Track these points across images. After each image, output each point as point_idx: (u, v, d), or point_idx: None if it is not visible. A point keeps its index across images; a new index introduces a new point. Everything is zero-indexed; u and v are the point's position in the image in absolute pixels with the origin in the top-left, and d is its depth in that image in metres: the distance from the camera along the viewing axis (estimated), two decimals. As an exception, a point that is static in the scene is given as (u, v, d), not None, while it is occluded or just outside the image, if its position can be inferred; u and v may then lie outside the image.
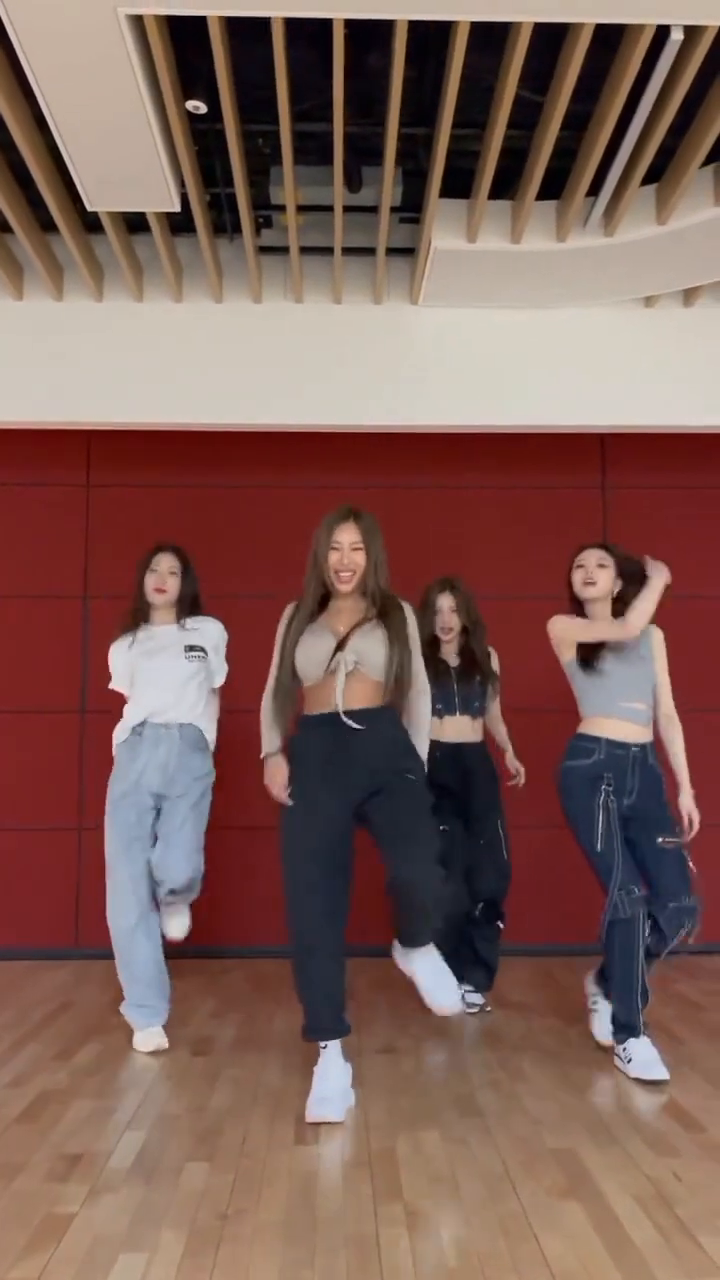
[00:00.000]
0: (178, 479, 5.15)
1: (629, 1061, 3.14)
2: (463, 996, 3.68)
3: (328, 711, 2.93)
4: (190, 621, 3.75)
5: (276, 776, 2.97)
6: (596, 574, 3.40)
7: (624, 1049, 3.18)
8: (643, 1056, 3.11)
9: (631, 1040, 3.16)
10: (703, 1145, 2.60)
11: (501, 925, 3.93)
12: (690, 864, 3.29)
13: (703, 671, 5.07)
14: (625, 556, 3.47)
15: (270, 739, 3.06)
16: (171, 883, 3.50)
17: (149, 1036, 3.47)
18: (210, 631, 3.76)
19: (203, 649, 3.72)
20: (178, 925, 3.68)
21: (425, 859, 2.80)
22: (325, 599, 3.05)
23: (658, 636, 3.48)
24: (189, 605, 3.77)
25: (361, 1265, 2.00)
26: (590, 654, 3.41)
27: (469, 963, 3.91)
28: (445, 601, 3.98)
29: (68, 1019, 3.81)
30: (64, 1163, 2.50)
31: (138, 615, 3.77)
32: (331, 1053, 2.91)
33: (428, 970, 2.91)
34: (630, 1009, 3.18)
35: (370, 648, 2.93)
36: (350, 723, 2.89)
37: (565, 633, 3.45)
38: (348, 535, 2.97)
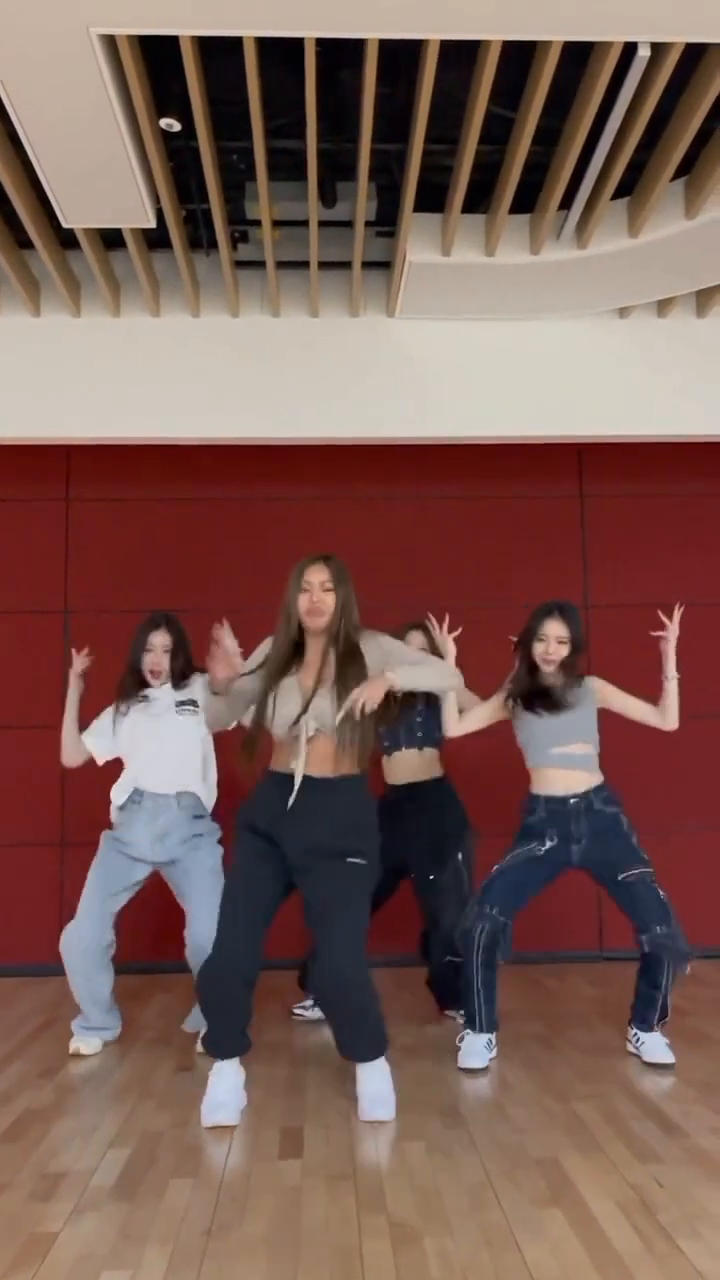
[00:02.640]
0: (158, 493, 5.16)
1: (461, 1041, 3.41)
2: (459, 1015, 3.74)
3: (285, 772, 2.95)
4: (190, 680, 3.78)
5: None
6: (557, 651, 3.48)
7: (471, 1039, 3.38)
8: (470, 1047, 3.36)
9: (469, 1033, 3.40)
10: (685, 1150, 2.62)
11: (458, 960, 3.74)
12: (662, 891, 3.35)
13: (683, 676, 5.10)
14: (578, 623, 3.55)
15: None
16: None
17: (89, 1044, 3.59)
18: (200, 685, 3.71)
19: (194, 701, 3.73)
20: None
21: (345, 951, 2.78)
22: (298, 646, 3.03)
23: (595, 684, 3.56)
24: (180, 675, 3.76)
25: (345, 1279, 2.00)
26: (530, 699, 3.49)
27: (449, 996, 3.87)
28: (415, 639, 3.89)
29: (51, 1036, 3.79)
30: (47, 1182, 2.49)
31: (133, 683, 3.78)
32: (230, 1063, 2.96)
33: (371, 1085, 2.90)
34: (467, 1010, 3.41)
35: (330, 710, 2.91)
36: (294, 795, 2.89)
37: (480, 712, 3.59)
38: (318, 576, 2.99)
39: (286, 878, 2.96)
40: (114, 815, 3.75)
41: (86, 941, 3.54)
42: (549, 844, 3.42)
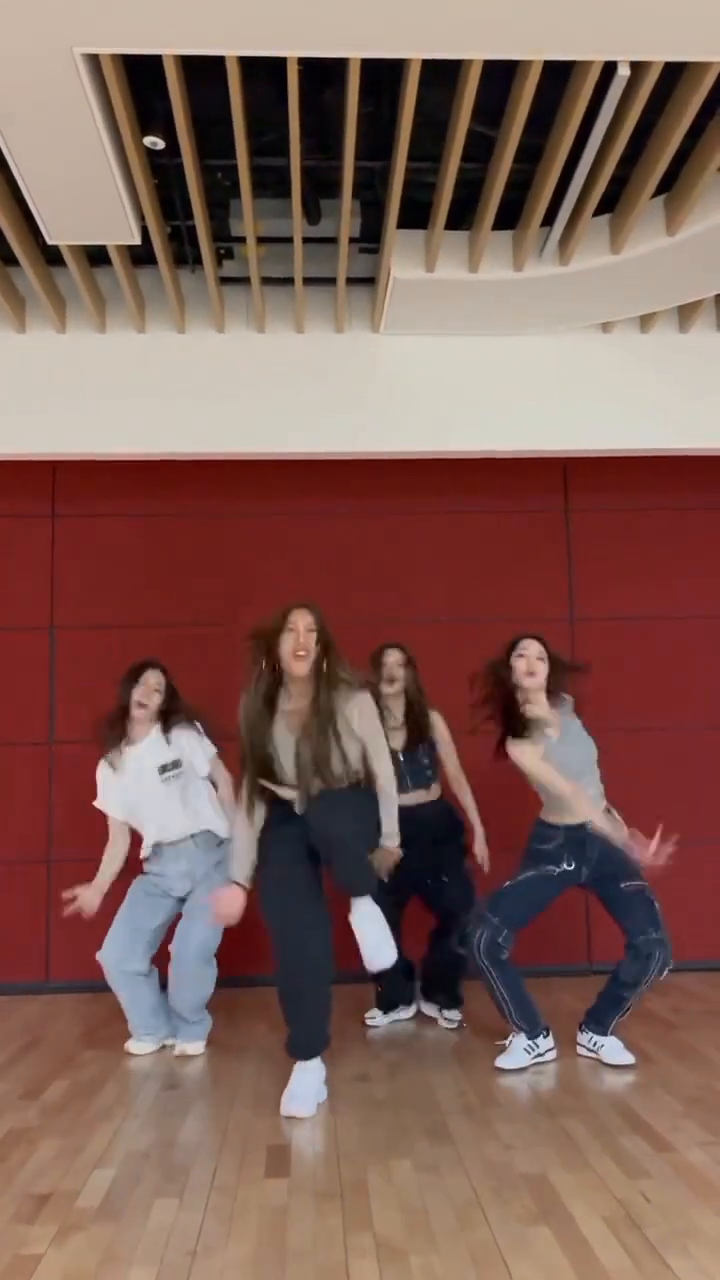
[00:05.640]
0: (143, 508, 5.16)
1: (509, 1041, 3.54)
2: (440, 1013, 3.97)
3: (287, 799, 3.18)
4: (171, 735, 3.86)
5: (232, 905, 3.15)
6: (538, 666, 3.55)
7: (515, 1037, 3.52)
8: (511, 1047, 3.49)
9: (512, 1036, 3.52)
10: (673, 1166, 2.61)
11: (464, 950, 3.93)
12: (657, 904, 3.47)
13: (664, 690, 5.12)
14: (555, 652, 3.64)
15: (241, 866, 3.20)
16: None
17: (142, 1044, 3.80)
18: (182, 741, 3.84)
19: (176, 762, 3.83)
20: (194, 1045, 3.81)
21: (345, 821, 3.07)
22: (275, 686, 3.17)
23: (575, 725, 3.60)
24: (164, 718, 3.86)
25: (331, 1299, 1.99)
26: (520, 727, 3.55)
27: (437, 986, 4.04)
28: (392, 656, 4.03)
29: (37, 1056, 3.76)
30: (31, 1203, 2.47)
31: (116, 730, 3.86)
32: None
33: (370, 926, 3.12)
34: (500, 1009, 3.52)
35: (323, 754, 3.10)
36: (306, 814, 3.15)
37: (532, 769, 3.53)
38: (303, 620, 3.14)
39: (315, 854, 3.16)
40: (144, 863, 3.93)
41: (113, 960, 3.75)
42: (565, 867, 3.52)
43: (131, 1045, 3.80)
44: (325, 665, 3.12)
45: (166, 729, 3.85)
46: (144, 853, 3.90)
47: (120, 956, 3.74)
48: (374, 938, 3.11)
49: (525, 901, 3.52)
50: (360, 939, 3.12)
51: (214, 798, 3.90)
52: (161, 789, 3.81)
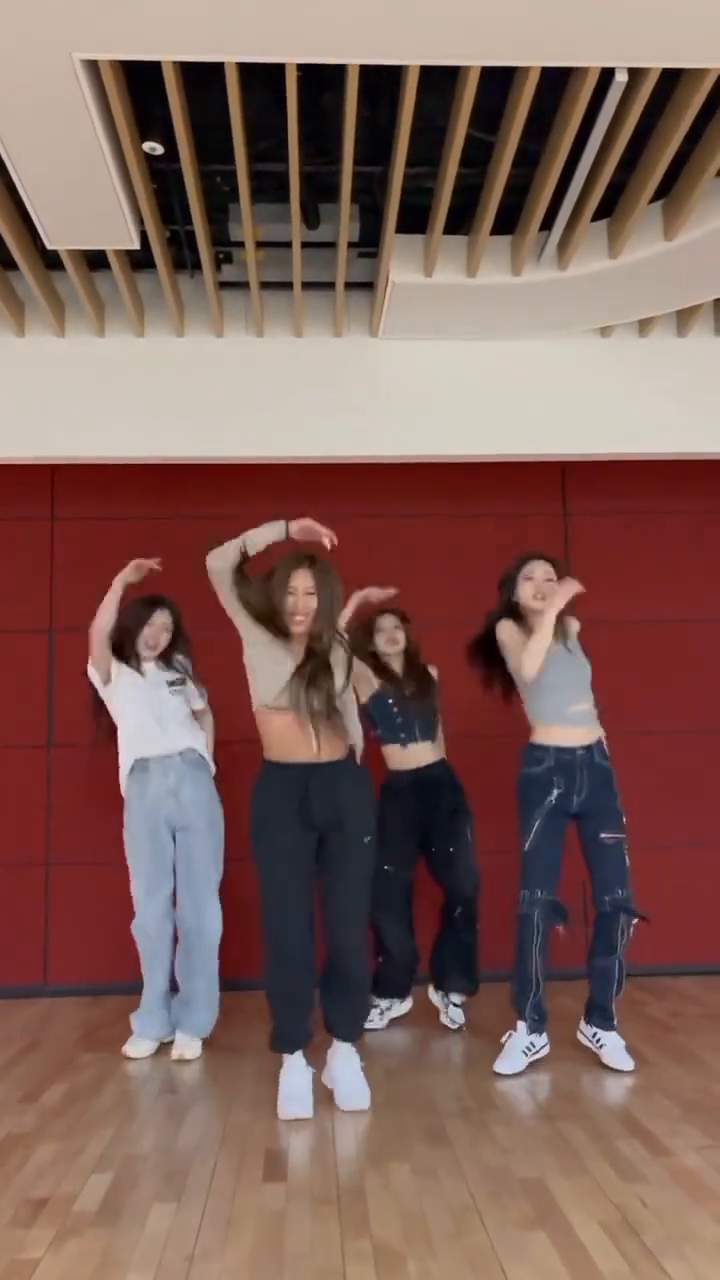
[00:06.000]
0: (143, 510, 5.16)
1: (506, 1039, 3.52)
2: (447, 1009, 4.04)
3: (293, 761, 3.13)
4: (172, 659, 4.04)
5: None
6: (547, 588, 3.54)
7: (513, 1032, 3.49)
8: (509, 1049, 3.47)
9: (520, 1025, 3.49)
10: (671, 1170, 2.61)
11: (477, 927, 4.03)
12: (627, 860, 3.51)
13: (663, 692, 5.13)
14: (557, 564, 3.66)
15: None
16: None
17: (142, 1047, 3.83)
18: (185, 663, 4.06)
19: (181, 680, 4.00)
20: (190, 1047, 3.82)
21: (361, 950, 3.17)
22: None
23: (575, 627, 3.65)
24: (167, 657, 4.03)
25: (328, 1304, 1.99)
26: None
27: (451, 971, 4.02)
28: (389, 620, 4.22)
29: (35, 1059, 3.76)
30: (29, 1207, 2.47)
31: (127, 649, 3.98)
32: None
33: (349, 1072, 3.17)
34: (523, 996, 3.48)
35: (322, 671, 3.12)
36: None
37: (514, 644, 3.55)
38: (302, 581, 3.14)
39: (316, 857, 3.16)
40: (124, 785, 3.93)
41: (151, 927, 3.84)
42: (555, 792, 3.49)
43: (130, 1048, 3.79)
44: (323, 627, 3.14)
45: (168, 660, 4.01)
46: (124, 772, 3.91)
47: (160, 914, 3.83)
48: (351, 1080, 3.15)
49: (547, 864, 3.47)
50: (337, 1079, 3.16)
51: (206, 728, 4.09)
52: (168, 700, 3.93)
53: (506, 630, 3.58)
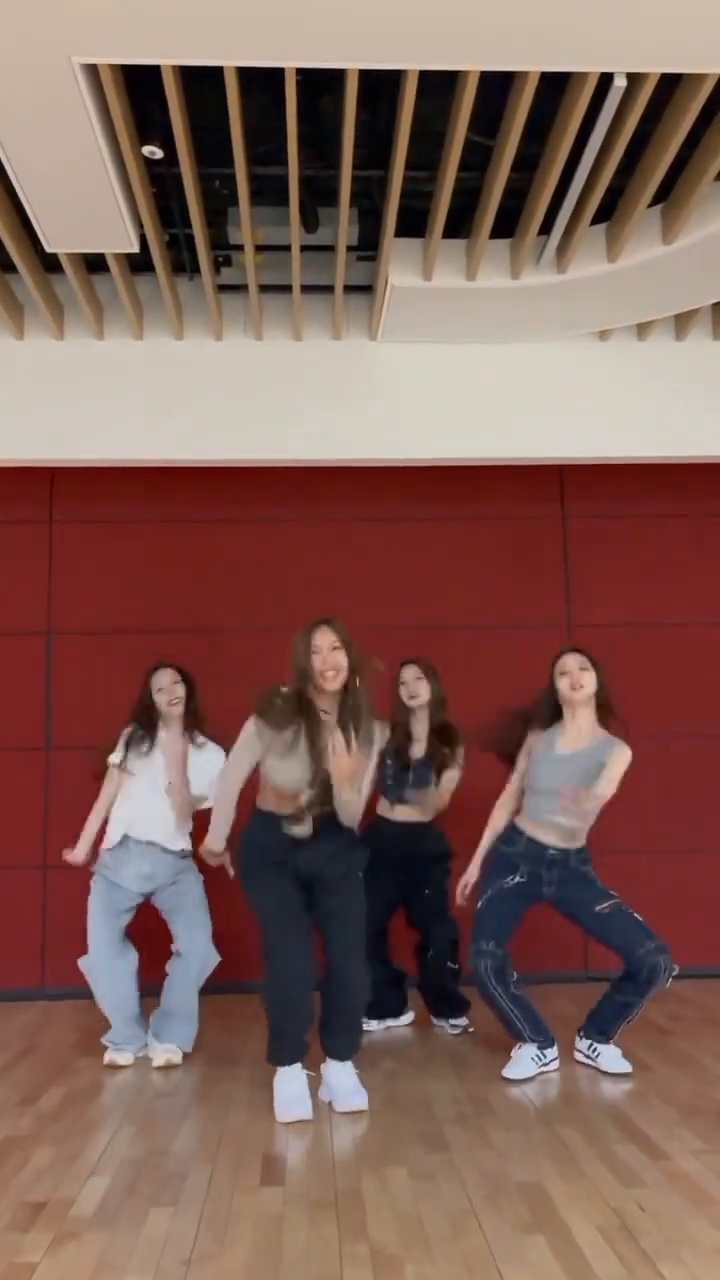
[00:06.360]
0: (141, 514, 5.16)
1: (516, 1050, 3.52)
2: (447, 1025, 4.08)
3: (286, 814, 3.17)
4: (198, 737, 3.91)
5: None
6: (582, 678, 3.54)
7: (523, 1044, 3.51)
8: (517, 1057, 3.49)
9: (519, 1045, 3.51)
10: (668, 1174, 2.61)
11: (457, 968, 4.03)
12: (638, 915, 3.47)
13: (662, 695, 5.13)
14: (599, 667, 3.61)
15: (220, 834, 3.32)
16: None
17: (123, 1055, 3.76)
18: (204, 763, 3.84)
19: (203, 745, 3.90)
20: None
21: (362, 970, 3.19)
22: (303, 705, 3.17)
23: (595, 755, 3.50)
24: (189, 725, 3.92)
25: (325, 1308, 1.99)
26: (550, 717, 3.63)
27: (437, 1003, 4.08)
28: (410, 671, 4.01)
29: (32, 1062, 3.76)
30: (27, 1211, 2.47)
31: (146, 720, 3.90)
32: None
33: (346, 1078, 3.20)
34: (514, 1029, 3.50)
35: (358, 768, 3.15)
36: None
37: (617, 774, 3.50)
38: (325, 639, 3.14)
39: (307, 892, 3.23)
40: (103, 854, 3.86)
41: (103, 963, 3.76)
42: (518, 879, 3.53)
43: (114, 1057, 3.73)
44: (354, 681, 3.15)
45: (192, 734, 3.90)
46: (108, 843, 3.84)
47: (111, 954, 3.75)
48: (349, 1084, 3.18)
49: (499, 915, 3.51)
50: (335, 1087, 3.18)
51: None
52: (161, 799, 3.83)
53: (620, 761, 3.46)
